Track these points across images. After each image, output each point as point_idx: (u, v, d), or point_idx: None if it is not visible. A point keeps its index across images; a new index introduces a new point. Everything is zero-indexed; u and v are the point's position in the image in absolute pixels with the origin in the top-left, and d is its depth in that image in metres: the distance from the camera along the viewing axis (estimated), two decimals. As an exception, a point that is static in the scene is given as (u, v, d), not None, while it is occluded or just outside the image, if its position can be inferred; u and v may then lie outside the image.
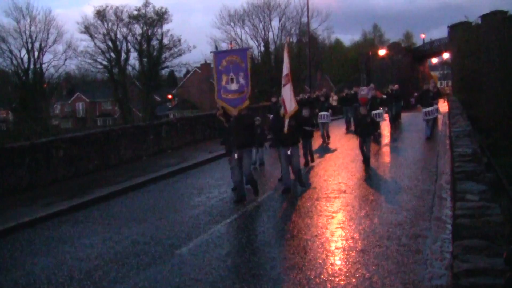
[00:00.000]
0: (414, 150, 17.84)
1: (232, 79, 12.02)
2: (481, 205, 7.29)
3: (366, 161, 15.35)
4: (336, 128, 25.24)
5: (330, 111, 22.01)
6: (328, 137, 21.56)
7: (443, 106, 29.67)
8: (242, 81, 12.00)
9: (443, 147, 17.52)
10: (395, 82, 32.25)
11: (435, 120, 21.24)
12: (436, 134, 20.92)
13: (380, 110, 21.82)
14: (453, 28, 51.02)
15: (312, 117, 17.34)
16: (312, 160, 16.49)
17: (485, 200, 7.56)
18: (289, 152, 12.40)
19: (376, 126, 17.27)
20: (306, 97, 26.54)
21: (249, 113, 12.57)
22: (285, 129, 12.14)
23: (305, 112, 15.10)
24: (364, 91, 24.51)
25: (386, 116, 24.10)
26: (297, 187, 12.96)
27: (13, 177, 14.54)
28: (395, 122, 25.52)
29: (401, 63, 64.24)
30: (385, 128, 24.01)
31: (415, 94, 27.29)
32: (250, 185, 12.27)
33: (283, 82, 12.47)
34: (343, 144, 20.59)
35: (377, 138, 20.14)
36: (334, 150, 19.19)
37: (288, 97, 12.24)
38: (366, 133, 15.42)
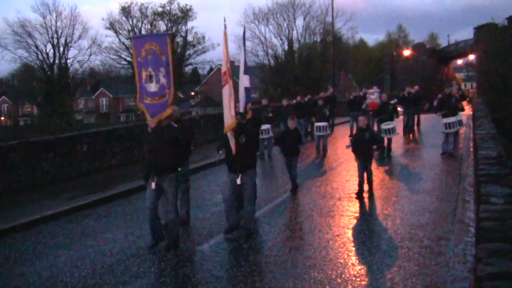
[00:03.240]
0: (437, 152, 17.64)
1: (150, 76, 8.50)
2: (505, 208, 7.21)
3: (369, 190, 12.20)
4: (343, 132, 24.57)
5: (329, 119, 19.22)
6: (325, 150, 18.75)
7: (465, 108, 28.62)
8: (162, 80, 8.47)
9: (466, 150, 17.34)
10: (416, 83, 30.94)
11: (457, 131, 17.51)
12: (458, 142, 18.50)
13: (393, 124, 17.51)
14: (479, 30, 50.74)
15: (300, 129, 15.09)
16: (296, 186, 12.89)
17: (509, 204, 7.48)
18: (238, 181, 8.96)
19: (377, 142, 12.93)
20: (306, 99, 24.53)
21: (172, 125, 8.80)
22: (233, 149, 8.93)
23: (291, 123, 12.87)
24: (375, 96, 21.39)
25: (401, 118, 21.22)
26: (234, 233, 9.37)
27: (37, 170, 14.77)
28: (409, 134, 22.49)
29: (425, 64, 63.97)
30: (400, 138, 21.54)
31: (439, 95, 26.61)
32: (166, 232, 8.81)
33: (222, 82, 9.05)
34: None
35: (384, 153, 17.59)
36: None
37: (226, 104, 8.89)
38: (367, 155, 12.13)
